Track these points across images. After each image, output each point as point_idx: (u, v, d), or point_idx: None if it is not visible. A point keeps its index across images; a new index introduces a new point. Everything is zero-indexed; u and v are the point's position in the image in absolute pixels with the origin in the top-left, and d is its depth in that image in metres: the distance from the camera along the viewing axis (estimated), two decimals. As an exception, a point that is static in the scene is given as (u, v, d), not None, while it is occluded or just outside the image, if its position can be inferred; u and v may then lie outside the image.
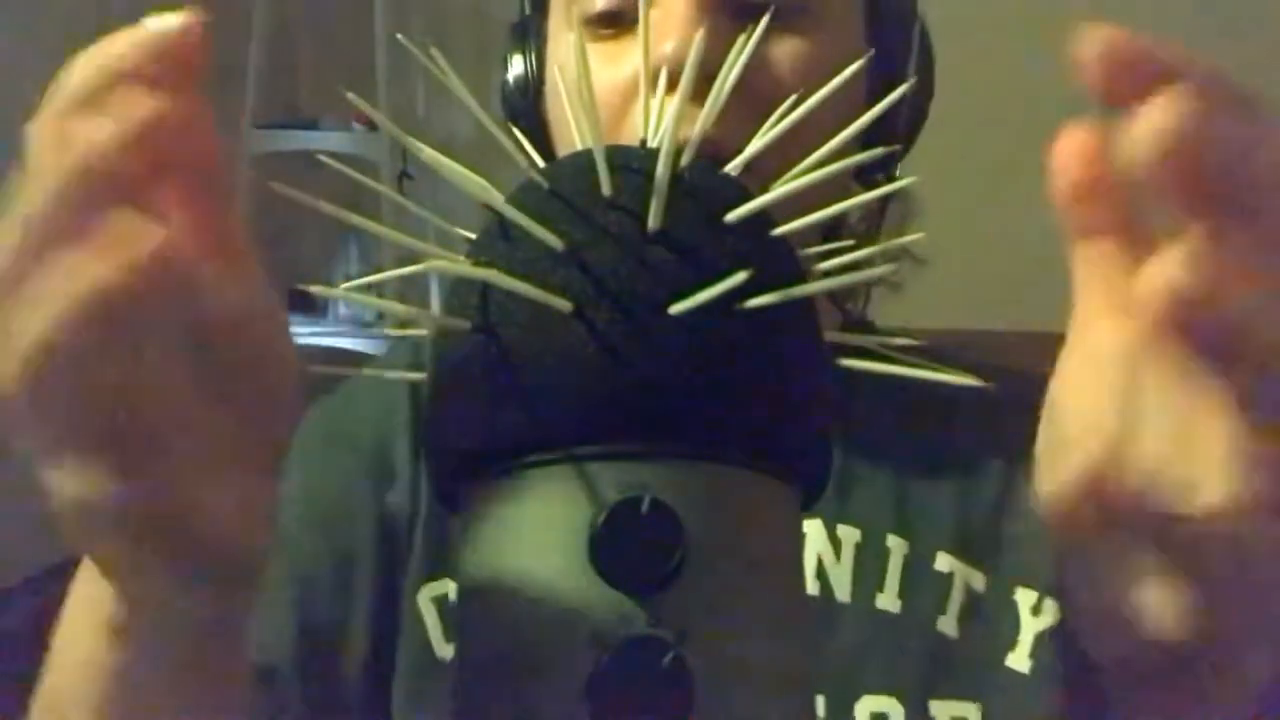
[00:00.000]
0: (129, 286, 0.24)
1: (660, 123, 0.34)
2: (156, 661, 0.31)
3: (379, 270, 0.30)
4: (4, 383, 0.25)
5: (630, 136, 0.49)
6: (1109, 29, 0.24)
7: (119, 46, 0.26)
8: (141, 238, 0.24)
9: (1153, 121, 0.23)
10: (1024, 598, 0.54)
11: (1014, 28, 1.58)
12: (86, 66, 0.26)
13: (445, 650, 0.55)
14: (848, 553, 0.55)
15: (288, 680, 0.53)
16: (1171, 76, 0.24)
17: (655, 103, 0.35)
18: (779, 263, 0.29)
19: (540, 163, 0.31)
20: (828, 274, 0.31)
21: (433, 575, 0.56)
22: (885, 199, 0.58)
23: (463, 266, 0.28)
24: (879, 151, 0.35)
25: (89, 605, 0.32)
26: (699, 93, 0.30)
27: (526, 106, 0.58)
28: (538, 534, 0.26)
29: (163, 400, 0.26)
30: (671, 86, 0.36)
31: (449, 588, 0.56)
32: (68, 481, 0.25)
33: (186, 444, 0.26)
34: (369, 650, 0.55)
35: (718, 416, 0.27)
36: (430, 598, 0.56)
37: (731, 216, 0.28)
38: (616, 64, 0.52)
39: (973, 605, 0.54)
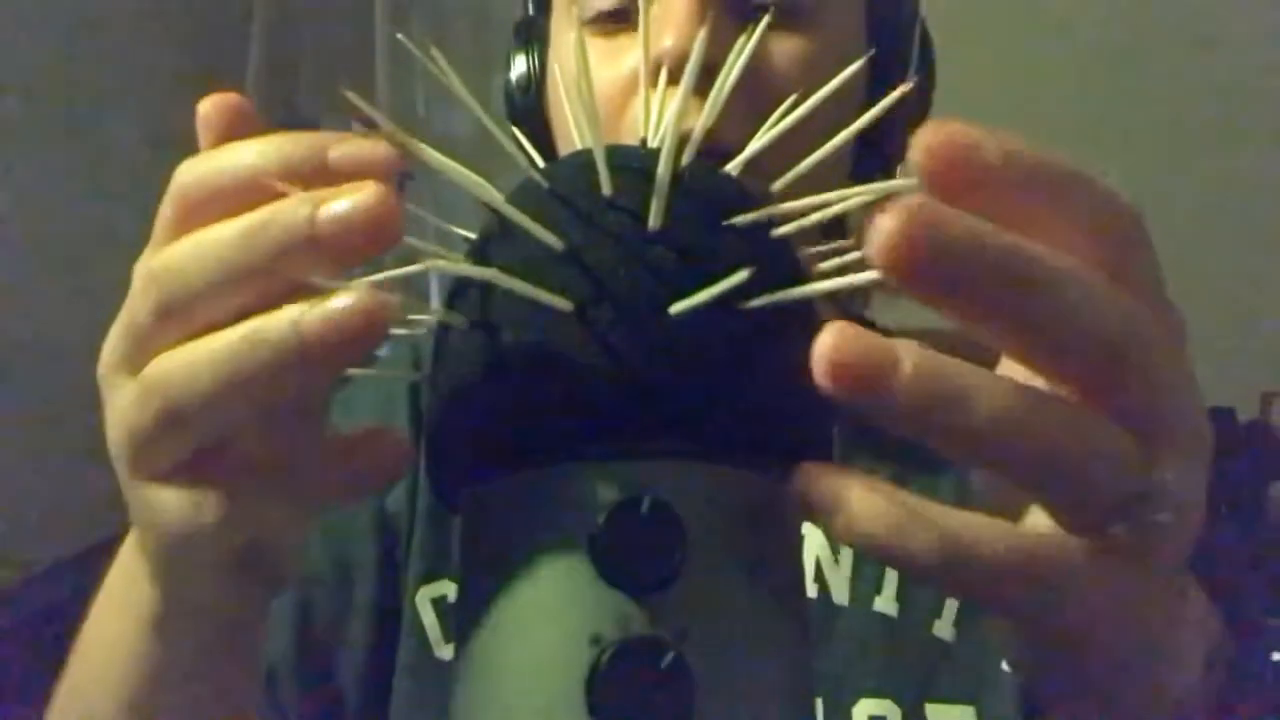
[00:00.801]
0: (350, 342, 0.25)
1: (660, 120, 0.34)
2: (188, 652, 0.33)
3: (379, 270, 0.29)
4: (136, 413, 0.26)
5: (630, 132, 0.49)
6: (947, 125, 0.23)
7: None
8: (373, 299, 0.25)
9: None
10: None
11: (1015, 27, 1.58)
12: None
13: (444, 651, 0.55)
14: (846, 555, 0.55)
15: (286, 681, 0.53)
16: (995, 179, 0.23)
17: (655, 100, 0.35)
18: (780, 263, 0.29)
19: (541, 162, 0.31)
20: (828, 274, 0.31)
21: (431, 576, 0.56)
22: (886, 199, 0.58)
23: (463, 266, 0.28)
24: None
25: (125, 601, 0.33)
26: (700, 89, 0.30)
27: (529, 105, 0.58)
28: (538, 534, 0.26)
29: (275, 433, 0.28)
30: (672, 82, 0.36)
31: (448, 589, 0.56)
32: (174, 503, 0.27)
33: (283, 470, 0.28)
34: (367, 651, 0.55)
35: (718, 416, 0.27)
36: (429, 599, 0.56)
37: (736, 219, 0.28)
38: (617, 60, 0.52)
39: (969, 608, 0.54)
